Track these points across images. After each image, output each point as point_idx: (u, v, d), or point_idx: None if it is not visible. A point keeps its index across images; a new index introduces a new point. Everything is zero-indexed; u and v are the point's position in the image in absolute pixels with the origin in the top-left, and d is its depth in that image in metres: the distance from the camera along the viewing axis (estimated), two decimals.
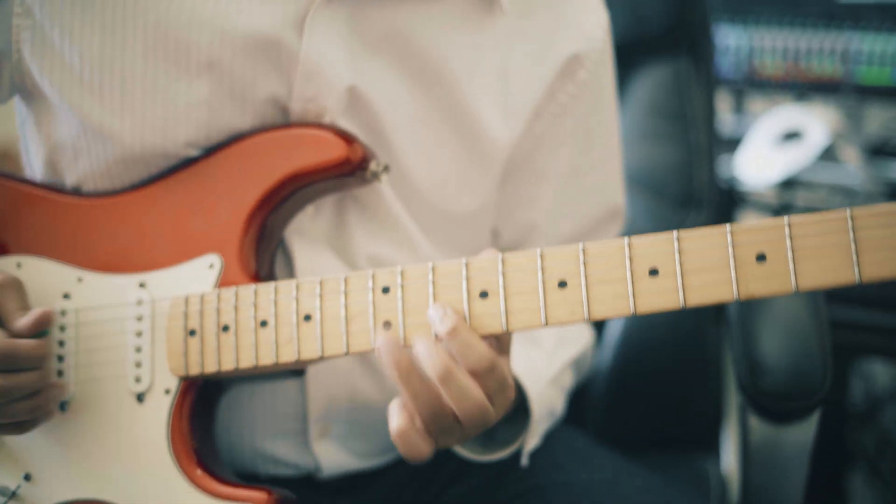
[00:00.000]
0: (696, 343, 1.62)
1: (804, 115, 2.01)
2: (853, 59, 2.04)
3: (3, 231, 1.16)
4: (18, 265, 1.13)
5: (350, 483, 1.23)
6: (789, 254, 0.87)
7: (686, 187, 1.67)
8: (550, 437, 1.24)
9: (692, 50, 1.72)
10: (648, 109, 1.72)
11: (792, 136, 2.01)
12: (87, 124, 1.11)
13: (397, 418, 0.96)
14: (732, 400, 1.62)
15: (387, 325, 0.98)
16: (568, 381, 1.26)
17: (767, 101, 2.13)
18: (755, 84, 2.12)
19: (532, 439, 1.15)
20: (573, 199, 1.26)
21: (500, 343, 0.98)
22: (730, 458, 1.60)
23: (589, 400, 1.63)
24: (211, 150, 1.11)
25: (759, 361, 1.26)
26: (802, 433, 1.30)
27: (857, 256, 0.85)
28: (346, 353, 1.00)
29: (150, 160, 1.11)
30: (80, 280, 1.12)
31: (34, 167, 1.21)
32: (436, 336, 0.95)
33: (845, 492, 2.25)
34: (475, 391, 0.94)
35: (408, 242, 1.18)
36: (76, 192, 1.16)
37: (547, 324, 0.94)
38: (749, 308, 1.32)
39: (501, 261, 0.96)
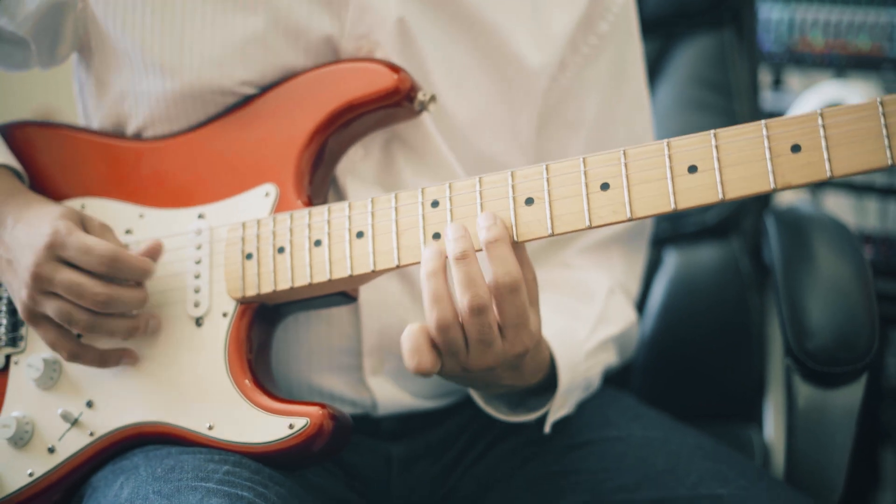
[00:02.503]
0: (738, 311, 1.63)
1: (846, 91, 2.00)
2: (895, 35, 2.03)
3: (68, 177, 1.21)
4: (83, 206, 1.18)
5: (404, 427, 1.25)
6: (823, 142, 0.90)
7: None
8: (602, 396, 1.26)
9: (736, 21, 1.72)
10: (692, 80, 1.73)
11: None
12: (148, 63, 1.15)
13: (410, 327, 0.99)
14: (777, 367, 1.63)
15: (436, 236, 1.02)
16: (609, 358, 1.28)
17: (807, 77, 2.13)
18: (795, 59, 2.12)
19: (561, 409, 1.17)
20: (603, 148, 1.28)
21: (529, 293, 1.00)
22: (772, 428, 1.60)
23: (631, 369, 1.64)
24: (265, 89, 1.16)
25: (806, 324, 1.26)
26: (849, 397, 1.30)
27: (889, 140, 0.88)
28: (398, 267, 1.04)
29: (207, 97, 1.16)
30: (141, 216, 1.16)
31: (93, 123, 1.26)
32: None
33: (880, 470, 2.25)
34: (490, 314, 0.96)
35: (450, 177, 1.20)
36: (136, 137, 1.21)
37: (591, 224, 0.97)
38: (795, 271, 1.33)
39: (546, 168, 0.99)
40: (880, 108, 0.88)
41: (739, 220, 1.67)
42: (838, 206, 2.07)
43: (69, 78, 1.31)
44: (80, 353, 1.11)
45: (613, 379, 1.37)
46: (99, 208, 1.18)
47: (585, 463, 1.18)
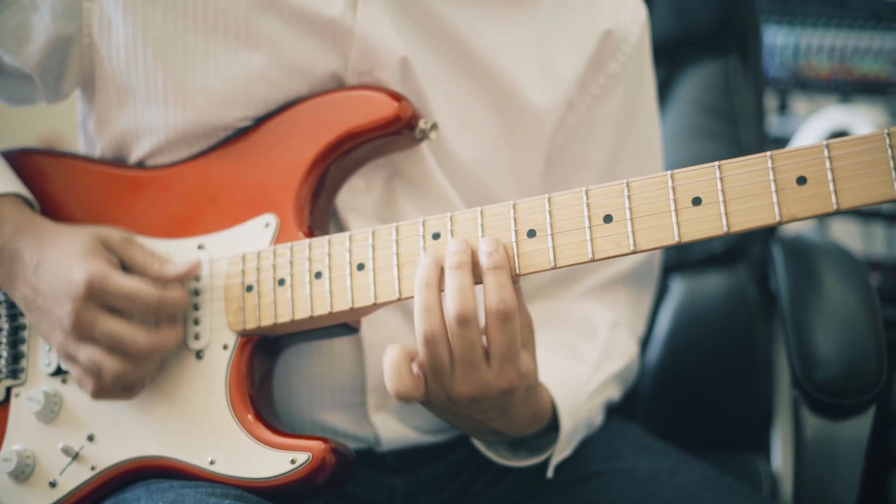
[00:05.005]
0: (745, 339, 1.62)
1: (852, 116, 2.00)
2: None
3: (71, 206, 1.20)
4: None
5: (407, 461, 1.24)
6: (829, 175, 0.89)
7: None
8: (609, 427, 1.25)
9: (741, 48, 1.72)
10: (697, 107, 1.72)
11: (840, 135, 2.00)
12: (151, 100, 1.15)
13: (391, 353, 0.99)
14: (784, 397, 1.62)
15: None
16: (612, 393, 1.27)
17: (812, 102, 2.13)
18: (801, 84, 2.12)
19: (563, 452, 1.16)
20: None
21: (523, 336, 1.00)
22: (780, 458, 1.59)
23: (637, 398, 1.63)
24: (263, 119, 1.15)
25: (814, 355, 1.26)
26: (858, 428, 1.29)
27: None
28: (399, 299, 1.03)
29: (210, 132, 1.15)
30: None
31: (94, 152, 1.26)
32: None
33: (889, 496, 2.24)
34: (475, 330, 0.96)
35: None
36: (137, 166, 1.20)
37: (594, 258, 0.96)
38: (802, 301, 1.32)
39: (548, 200, 0.98)
40: (887, 140, 0.87)
41: (746, 248, 1.66)
42: (845, 232, 2.06)
43: (73, 102, 1.31)
44: (107, 391, 1.09)
45: (619, 409, 1.36)
46: None
47: (592, 496, 1.17)
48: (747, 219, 0.92)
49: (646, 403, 1.63)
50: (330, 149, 1.12)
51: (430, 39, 1.15)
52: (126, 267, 1.10)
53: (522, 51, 1.19)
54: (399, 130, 1.11)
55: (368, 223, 1.18)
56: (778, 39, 2.12)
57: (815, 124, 2.05)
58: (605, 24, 1.22)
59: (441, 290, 0.98)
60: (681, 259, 1.67)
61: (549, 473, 1.15)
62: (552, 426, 1.13)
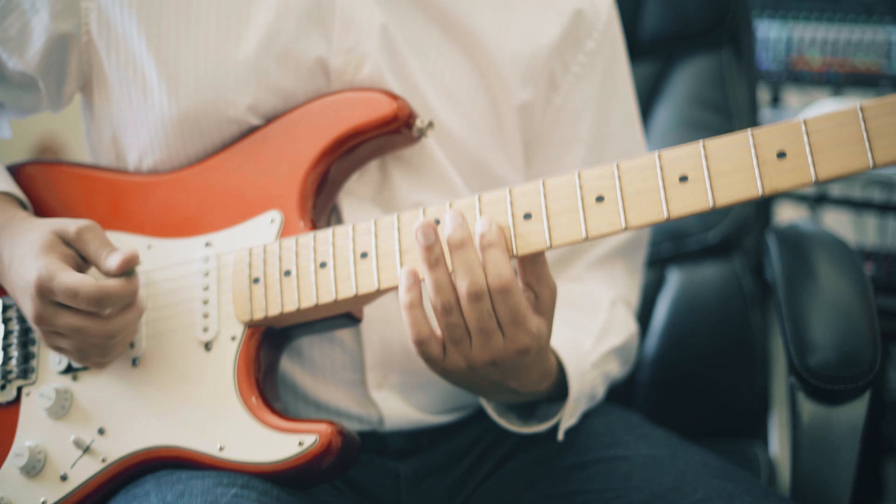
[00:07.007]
0: (741, 328, 1.64)
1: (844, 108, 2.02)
2: (892, 52, 2.05)
3: (76, 214, 1.21)
4: None
5: (411, 444, 1.26)
6: (807, 148, 0.93)
7: None
8: (609, 415, 1.28)
9: (734, 41, 1.74)
10: (691, 100, 1.74)
11: None
12: (147, 90, 1.18)
13: (406, 296, 1.03)
14: (781, 384, 1.64)
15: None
16: (612, 368, 1.30)
17: (805, 95, 2.15)
18: (794, 77, 2.14)
19: (570, 418, 1.19)
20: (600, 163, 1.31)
21: (539, 302, 1.04)
22: (777, 444, 1.61)
23: (635, 387, 1.65)
24: (268, 120, 1.19)
25: (809, 342, 1.27)
26: (853, 413, 1.30)
27: (870, 143, 0.91)
28: None
29: (204, 124, 1.18)
30: (149, 247, 1.18)
31: (99, 159, 1.28)
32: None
33: (882, 483, 2.26)
34: (488, 302, 1.00)
35: (448, 187, 1.23)
36: (138, 171, 1.23)
37: (588, 236, 0.99)
38: (797, 289, 1.34)
39: (542, 184, 1.02)
40: (860, 114, 0.91)
41: (741, 238, 1.68)
42: (838, 222, 2.08)
43: (75, 108, 1.33)
44: (106, 359, 1.13)
45: (619, 397, 1.38)
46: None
47: (593, 482, 1.19)
48: (732, 193, 0.95)
49: (644, 393, 1.65)
50: (332, 147, 1.16)
51: (408, 4, 1.19)
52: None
53: (502, 15, 1.23)
54: (398, 129, 1.15)
55: (363, 206, 1.21)
56: (771, 33, 2.14)
57: (809, 115, 2.06)
58: (575, 3, 1.27)
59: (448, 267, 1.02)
60: (677, 250, 1.69)
61: (560, 436, 1.18)
62: (559, 393, 1.16)
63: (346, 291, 1.08)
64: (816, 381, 1.26)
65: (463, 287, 1.00)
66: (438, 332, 1.04)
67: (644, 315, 1.63)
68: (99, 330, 1.07)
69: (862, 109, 0.91)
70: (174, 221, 1.19)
